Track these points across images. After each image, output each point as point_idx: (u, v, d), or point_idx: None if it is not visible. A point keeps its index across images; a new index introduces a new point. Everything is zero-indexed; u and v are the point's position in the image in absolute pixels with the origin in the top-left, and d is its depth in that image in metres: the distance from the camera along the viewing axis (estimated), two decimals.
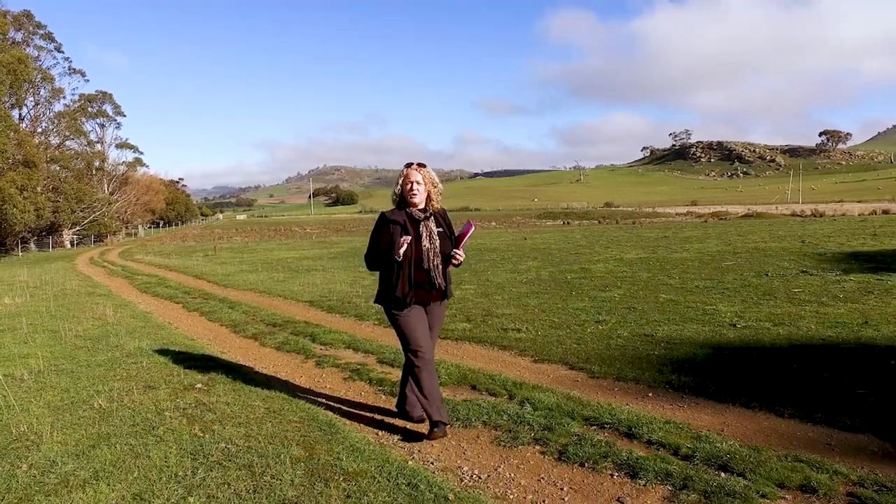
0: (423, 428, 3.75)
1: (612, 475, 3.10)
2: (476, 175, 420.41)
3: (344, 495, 2.88)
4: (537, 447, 3.49)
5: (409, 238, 3.49)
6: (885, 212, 41.46)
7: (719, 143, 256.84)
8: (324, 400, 4.48)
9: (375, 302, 3.75)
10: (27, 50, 40.53)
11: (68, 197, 40.09)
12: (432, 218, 3.65)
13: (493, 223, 50.18)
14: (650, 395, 4.34)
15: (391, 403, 4.28)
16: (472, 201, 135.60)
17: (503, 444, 3.56)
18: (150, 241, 44.31)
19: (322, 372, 5.35)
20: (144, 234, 61.94)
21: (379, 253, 3.61)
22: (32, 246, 40.55)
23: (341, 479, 3.05)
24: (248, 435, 3.67)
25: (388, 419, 4.05)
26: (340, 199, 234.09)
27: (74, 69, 47.12)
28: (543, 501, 2.90)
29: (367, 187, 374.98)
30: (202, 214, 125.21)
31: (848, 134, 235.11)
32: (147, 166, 62.06)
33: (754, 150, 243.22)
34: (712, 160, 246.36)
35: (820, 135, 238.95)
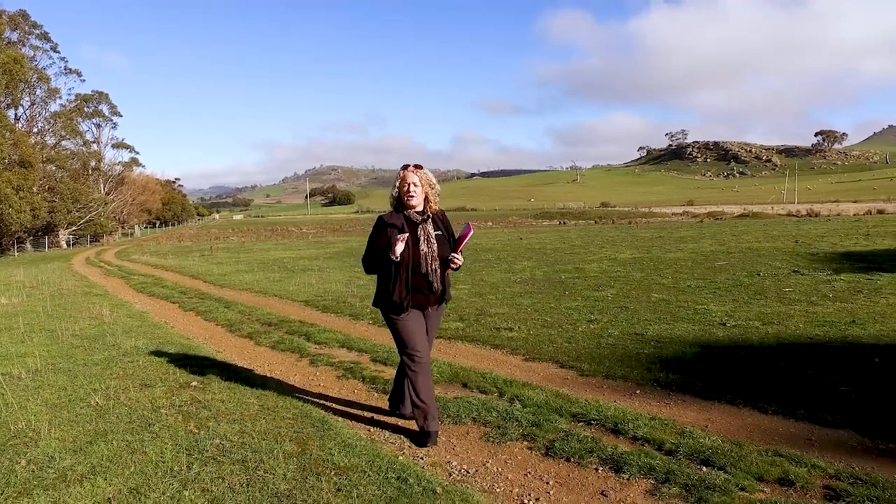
0: (415, 425, 3.81)
1: (597, 470, 3.18)
2: (473, 175, 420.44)
3: (335, 489, 2.96)
4: (525, 443, 3.56)
5: (406, 235, 3.47)
6: (880, 212, 41.70)
7: (716, 143, 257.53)
8: (317, 397, 4.56)
9: (373, 305, 3.76)
10: (23, 50, 40.52)
11: (64, 197, 40.08)
12: (430, 221, 3.64)
13: (490, 223, 50.28)
14: (638, 392, 4.42)
15: (384, 401, 4.35)
16: (468, 201, 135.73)
17: (492, 439, 3.63)
18: (146, 241, 44.25)
19: (316, 370, 5.42)
20: (141, 234, 61.85)
21: (376, 256, 3.59)
22: (28, 246, 40.48)
23: (333, 473, 3.13)
24: (242, 431, 3.74)
25: (379, 416, 4.12)
26: (337, 198, 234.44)
27: (70, 69, 47.14)
28: (529, 495, 2.98)
29: (364, 187, 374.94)
30: (199, 214, 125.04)
31: (844, 134, 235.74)
32: (143, 166, 62.21)
33: (750, 150, 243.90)
34: (709, 160, 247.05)
35: (816, 135, 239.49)
